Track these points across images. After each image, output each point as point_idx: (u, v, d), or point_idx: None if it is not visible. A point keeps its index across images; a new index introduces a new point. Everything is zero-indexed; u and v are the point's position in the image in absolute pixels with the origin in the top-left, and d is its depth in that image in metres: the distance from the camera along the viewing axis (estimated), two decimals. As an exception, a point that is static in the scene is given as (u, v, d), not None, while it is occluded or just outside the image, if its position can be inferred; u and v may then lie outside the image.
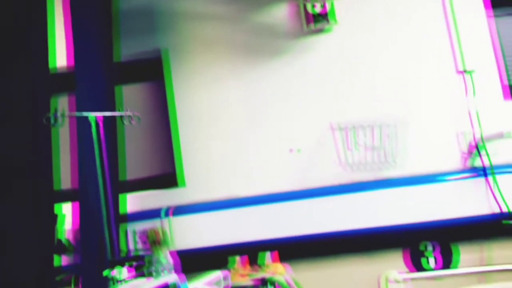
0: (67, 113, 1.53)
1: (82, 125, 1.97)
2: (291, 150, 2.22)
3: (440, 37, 2.17)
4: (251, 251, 2.06)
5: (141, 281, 1.38)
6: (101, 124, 1.55)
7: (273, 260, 2.00)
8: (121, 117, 1.71)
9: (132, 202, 2.25)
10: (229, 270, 1.93)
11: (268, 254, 2.00)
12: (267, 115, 2.25)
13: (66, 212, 2.16)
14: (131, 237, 2.11)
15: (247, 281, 1.83)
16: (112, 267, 1.38)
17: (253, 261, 2.01)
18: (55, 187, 2.12)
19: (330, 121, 2.19)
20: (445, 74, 2.16)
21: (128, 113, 1.73)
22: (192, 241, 2.12)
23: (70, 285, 2.07)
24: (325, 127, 2.20)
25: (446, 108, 2.14)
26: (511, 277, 1.92)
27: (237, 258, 2.00)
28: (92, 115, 1.53)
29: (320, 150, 2.19)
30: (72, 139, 2.22)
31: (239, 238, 2.12)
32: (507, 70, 2.14)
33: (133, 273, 1.41)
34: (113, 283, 1.35)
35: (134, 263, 1.41)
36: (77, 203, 2.06)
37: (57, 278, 1.94)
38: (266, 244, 2.09)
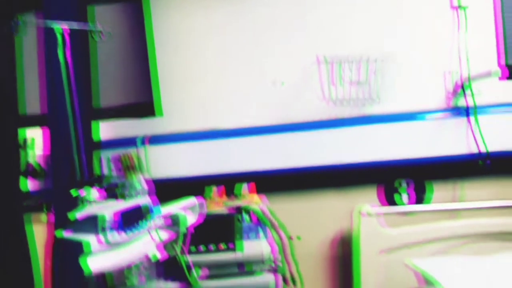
0: (29, 21, 1.39)
1: (49, 43, 1.82)
2: (274, 83, 2.13)
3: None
4: (228, 182, 2.04)
5: (112, 202, 1.34)
6: (67, 39, 1.42)
7: (250, 192, 1.99)
8: (91, 32, 1.58)
9: (107, 129, 2.17)
10: (205, 199, 1.92)
11: (245, 185, 1.99)
12: (251, 45, 2.14)
13: (36, 136, 2.07)
14: (105, 164, 2.06)
15: (222, 209, 1.83)
16: (81, 187, 1.34)
17: (230, 192, 2.00)
18: (21, 111, 2.02)
19: (316, 54, 2.09)
20: (439, 8, 2.06)
21: (99, 28, 1.59)
22: (168, 170, 2.09)
23: (42, 211, 2.04)
24: (310, 60, 2.10)
25: (436, 45, 2.07)
26: (480, 214, 1.97)
27: (214, 188, 1.98)
28: (58, 26, 1.39)
29: (304, 84, 2.11)
30: (40, 58, 2.08)
31: (217, 169, 2.09)
32: (502, 7, 2.04)
33: (104, 194, 1.37)
34: (82, 203, 1.31)
35: (105, 185, 1.37)
36: (46, 128, 1.97)
37: (25, 203, 1.90)
38: (243, 176, 2.07)
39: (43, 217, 2.03)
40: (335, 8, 2.08)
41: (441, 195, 2.14)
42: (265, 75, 2.14)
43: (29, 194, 1.99)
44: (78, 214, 1.20)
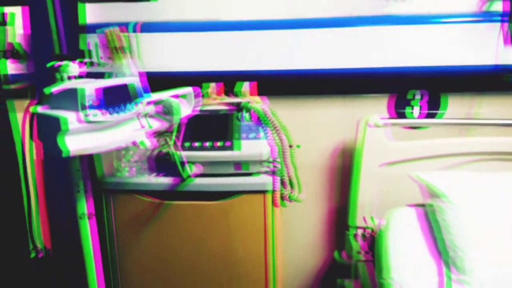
0: None
1: None
2: (286, -29, 1.85)
3: None
4: (228, 80, 1.87)
5: (94, 79, 1.17)
6: None
7: (251, 92, 1.83)
8: None
9: (95, 13, 1.93)
10: (202, 96, 1.76)
11: (246, 84, 1.82)
12: None
13: (16, 13, 1.84)
14: (94, 50, 1.86)
15: (221, 106, 1.68)
16: (59, 60, 1.16)
17: (229, 90, 1.84)
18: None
19: None
20: None
21: None
22: (162, 63, 1.90)
23: (26, 96, 1.89)
24: None
25: None
26: (494, 132, 1.84)
27: (212, 84, 1.81)
28: None
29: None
30: None
31: (216, 66, 1.91)
32: None
33: (85, 69, 1.20)
34: (62, 80, 1.14)
35: (86, 60, 1.19)
36: (26, 7, 1.75)
37: (6, 87, 1.74)
38: (245, 75, 1.89)
39: (27, 104, 1.88)
40: None
41: (456, 111, 1.99)
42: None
43: (9, 77, 1.82)
44: (54, 88, 1.04)
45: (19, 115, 1.80)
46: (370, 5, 1.86)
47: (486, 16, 1.80)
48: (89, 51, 1.82)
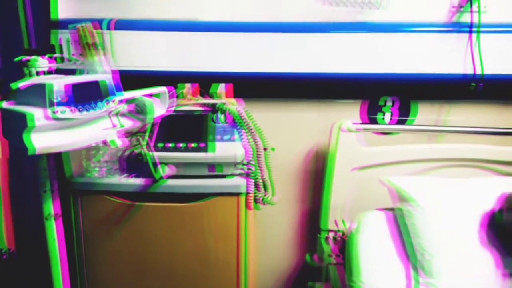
0: None
1: None
2: (263, -27, 1.86)
3: None
4: (203, 81, 1.85)
5: (64, 75, 1.14)
6: None
7: (227, 94, 1.82)
8: None
9: (67, 8, 1.87)
10: (177, 96, 1.74)
11: (221, 86, 1.81)
12: None
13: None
14: (65, 46, 1.80)
15: (195, 106, 1.66)
16: (27, 55, 1.12)
17: (205, 91, 1.82)
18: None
19: None
20: None
21: None
22: (136, 61, 1.87)
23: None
24: None
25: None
26: (462, 139, 1.91)
27: (187, 85, 1.79)
28: None
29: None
30: None
31: (192, 66, 1.89)
32: None
33: (55, 64, 1.16)
34: (30, 75, 1.10)
35: (56, 55, 1.15)
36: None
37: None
38: (221, 76, 1.89)
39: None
40: None
41: (425, 117, 2.05)
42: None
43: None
44: (21, 83, 1.00)
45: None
46: (345, 12, 1.89)
47: (455, 27, 1.87)
48: (60, 47, 1.76)
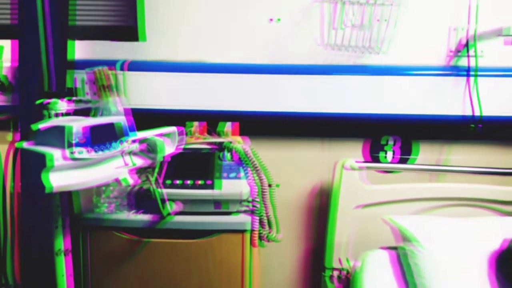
0: None
1: None
2: (270, 19, 1.97)
3: None
4: (211, 120, 1.92)
5: (82, 117, 1.20)
6: None
7: (233, 132, 1.88)
8: None
9: (83, 50, 1.98)
10: (186, 134, 1.80)
11: (228, 124, 1.88)
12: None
13: (5, 46, 1.88)
14: (80, 86, 1.89)
15: (203, 145, 1.72)
16: (47, 98, 1.19)
17: (212, 129, 1.89)
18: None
19: (319, -9, 1.93)
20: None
21: None
22: (147, 100, 1.95)
23: (9, 128, 1.89)
24: (312, -3, 1.94)
25: (446, -3, 1.94)
26: (463, 179, 1.94)
27: (195, 123, 1.86)
28: None
29: (303, 24, 1.97)
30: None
31: (200, 105, 1.97)
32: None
33: (73, 106, 1.23)
34: (49, 116, 1.17)
35: (74, 97, 1.23)
36: (16, 41, 1.78)
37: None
38: (228, 115, 1.96)
39: (9, 135, 1.88)
40: None
41: (427, 157, 2.09)
42: (262, 9, 1.97)
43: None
44: (42, 124, 1.07)
45: (1, 147, 1.80)
46: (346, 56, 1.99)
47: (453, 70, 1.95)
48: (75, 88, 1.85)
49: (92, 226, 1.62)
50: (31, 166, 1.06)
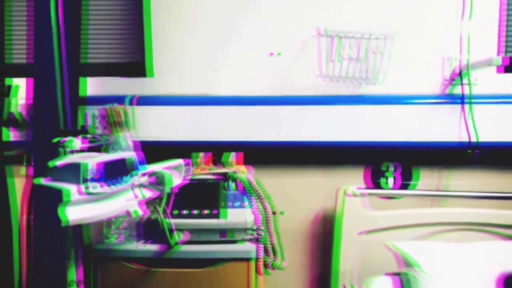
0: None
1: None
2: (271, 53, 2.08)
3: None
4: (216, 150, 2.00)
5: (95, 154, 1.28)
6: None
7: (238, 161, 1.95)
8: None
9: (94, 86, 2.09)
10: (192, 165, 1.87)
11: (233, 155, 1.95)
12: (251, 12, 2.07)
13: (20, 85, 1.99)
14: (91, 120, 1.99)
15: (209, 175, 1.79)
16: (63, 136, 1.28)
17: (217, 160, 1.96)
18: (7, 60, 1.94)
19: (317, 26, 2.04)
20: (445, -7, 2.02)
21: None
22: (155, 133, 2.03)
23: (22, 162, 1.98)
24: (311, 32, 2.05)
25: (439, 29, 2.04)
26: (464, 204, 1.98)
27: (201, 154, 1.94)
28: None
29: (302, 57, 2.07)
30: (30, 9, 1.99)
31: (205, 136, 2.05)
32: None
33: (87, 144, 1.31)
34: (64, 153, 1.25)
35: (88, 135, 1.31)
36: (31, 79, 1.89)
37: (6, 153, 1.83)
38: (232, 145, 2.03)
39: (22, 170, 1.96)
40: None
41: (427, 182, 2.14)
42: (263, 44, 2.08)
43: (10, 144, 1.92)
44: (59, 162, 1.15)
45: (15, 180, 1.88)
46: (344, 86, 2.07)
47: (449, 98, 2.03)
48: (86, 125, 1.94)
49: (102, 257, 1.67)
50: (47, 201, 1.13)
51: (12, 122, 1.91)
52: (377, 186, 2.16)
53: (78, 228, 1.37)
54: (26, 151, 1.92)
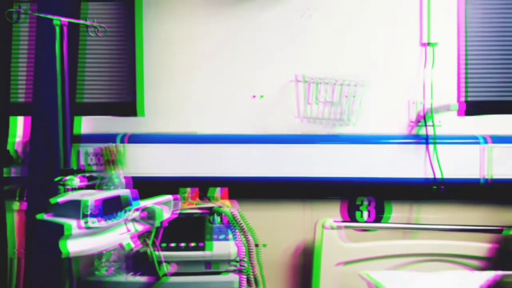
0: (29, 10, 1.46)
1: (42, 33, 1.88)
2: (254, 96, 2.26)
3: (411, 8, 2.25)
4: (202, 185, 2.12)
5: (93, 191, 1.40)
6: (65, 31, 1.49)
7: (223, 196, 2.08)
8: (88, 27, 1.65)
9: (87, 124, 2.22)
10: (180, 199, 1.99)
11: (218, 190, 2.08)
12: (236, 58, 2.26)
13: (17, 124, 2.10)
14: (83, 158, 2.10)
15: (195, 210, 1.91)
16: (64, 175, 1.39)
17: (203, 195, 2.09)
18: (12, 100, 2.05)
19: (295, 73, 2.24)
20: (409, 45, 2.26)
21: (95, 23, 1.66)
22: (145, 169, 2.15)
23: (15, 197, 2.06)
24: (289, 78, 2.25)
25: (405, 76, 2.27)
26: (433, 236, 2.14)
27: (188, 189, 2.06)
28: (57, 19, 1.46)
29: (282, 100, 2.25)
30: (30, 49, 2.12)
31: (192, 172, 2.18)
32: (466, 47, 2.27)
33: (85, 182, 1.43)
34: (64, 191, 1.36)
35: (87, 174, 1.43)
36: (29, 117, 2.01)
37: (5, 188, 1.92)
38: (217, 180, 2.16)
39: (16, 204, 2.04)
40: (317, 34, 2.25)
41: (399, 215, 2.30)
42: (247, 87, 2.26)
43: (9, 179, 2.00)
44: (60, 198, 1.26)
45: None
46: (322, 127, 2.26)
47: (415, 138, 2.23)
48: (78, 162, 2.05)
49: (93, 289, 1.74)
50: (51, 236, 1.24)
51: (8, 159, 2.00)
52: (353, 219, 2.30)
53: (70, 261, 1.46)
54: (20, 187, 2.00)
